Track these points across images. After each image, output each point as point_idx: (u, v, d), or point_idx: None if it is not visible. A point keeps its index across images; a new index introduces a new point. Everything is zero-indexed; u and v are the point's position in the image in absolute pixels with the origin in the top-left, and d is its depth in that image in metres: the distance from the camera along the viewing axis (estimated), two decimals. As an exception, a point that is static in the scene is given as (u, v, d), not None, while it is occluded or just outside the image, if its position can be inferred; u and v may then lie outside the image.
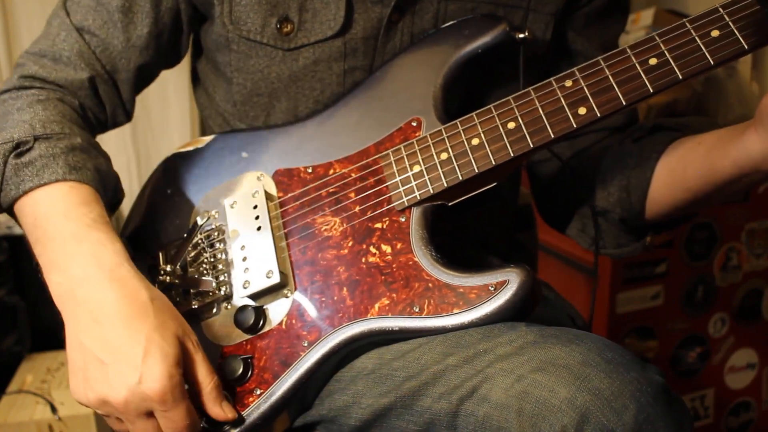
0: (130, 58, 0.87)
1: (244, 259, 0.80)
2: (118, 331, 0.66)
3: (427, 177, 0.77)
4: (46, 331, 2.19)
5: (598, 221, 0.93)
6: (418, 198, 0.77)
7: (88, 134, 0.83)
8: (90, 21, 0.86)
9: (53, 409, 1.79)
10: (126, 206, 0.96)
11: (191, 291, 0.81)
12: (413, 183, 0.78)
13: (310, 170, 0.83)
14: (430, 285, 0.73)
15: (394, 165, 0.79)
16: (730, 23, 0.70)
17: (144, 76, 0.92)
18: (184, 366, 0.67)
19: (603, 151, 0.94)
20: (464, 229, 0.92)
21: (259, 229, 0.81)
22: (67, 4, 0.88)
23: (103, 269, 0.68)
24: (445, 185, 0.76)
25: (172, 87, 2.42)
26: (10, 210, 0.76)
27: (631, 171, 0.88)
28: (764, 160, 0.71)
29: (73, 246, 0.70)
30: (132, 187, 2.29)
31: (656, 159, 0.85)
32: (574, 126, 0.74)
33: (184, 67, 1.03)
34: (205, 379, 0.69)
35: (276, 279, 0.77)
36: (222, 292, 0.79)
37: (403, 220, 0.77)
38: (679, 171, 0.83)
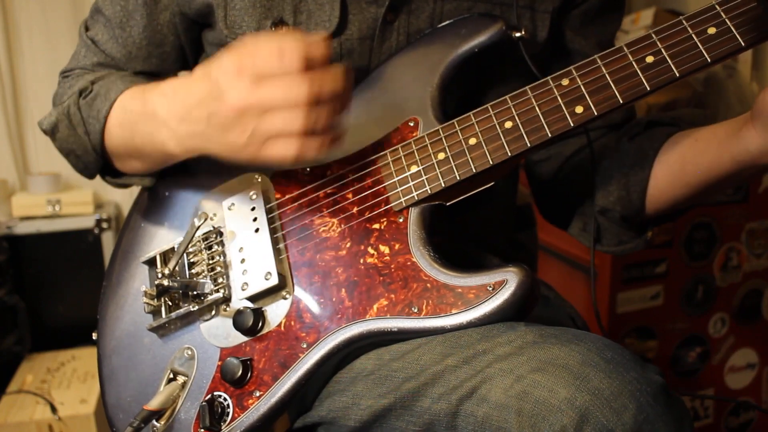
0: (135, 68, 0.93)
1: (243, 261, 0.80)
2: (205, 83, 0.71)
3: (424, 177, 0.77)
4: (46, 331, 2.19)
5: (598, 220, 0.93)
6: (416, 198, 0.77)
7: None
8: (99, 35, 0.94)
9: (53, 409, 1.79)
10: (126, 206, 0.97)
11: (190, 293, 0.81)
12: (411, 183, 0.77)
13: (308, 171, 0.83)
14: (428, 285, 0.72)
15: (391, 165, 0.79)
16: (727, 20, 0.70)
17: (157, 80, 0.96)
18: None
19: (601, 150, 0.94)
20: (464, 229, 0.92)
21: (257, 230, 0.81)
22: (88, 21, 0.96)
23: (167, 94, 0.76)
24: (443, 185, 0.76)
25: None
26: (103, 150, 0.88)
27: (630, 169, 0.88)
28: (762, 156, 0.73)
29: (146, 107, 0.79)
30: (132, 188, 2.30)
31: (653, 156, 0.86)
32: (571, 125, 0.74)
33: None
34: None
35: (274, 281, 0.76)
36: (220, 294, 0.79)
37: (401, 220, 0.77)
38: (678, 168, 0.83)
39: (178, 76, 0.80)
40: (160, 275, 0.80)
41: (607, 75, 0.73)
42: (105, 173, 0.94)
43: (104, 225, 2.18)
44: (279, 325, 0.76)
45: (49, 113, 0.90)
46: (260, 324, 0.77)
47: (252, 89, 0.66)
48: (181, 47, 0.94)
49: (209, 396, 0.76)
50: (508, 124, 0.76)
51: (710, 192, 0.83)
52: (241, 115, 0.67)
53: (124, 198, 2.33)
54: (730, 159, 0.76)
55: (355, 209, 0.79)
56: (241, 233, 0.81)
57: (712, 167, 0.79)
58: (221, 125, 0.69)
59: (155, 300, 0.82)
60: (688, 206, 0.89)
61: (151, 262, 0.87)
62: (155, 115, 0.77)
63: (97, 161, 0.89)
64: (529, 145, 0.75)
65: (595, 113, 0.73)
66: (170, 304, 0.82)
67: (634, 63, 0.72)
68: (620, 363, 0.62)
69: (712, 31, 0.70)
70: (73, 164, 0.92)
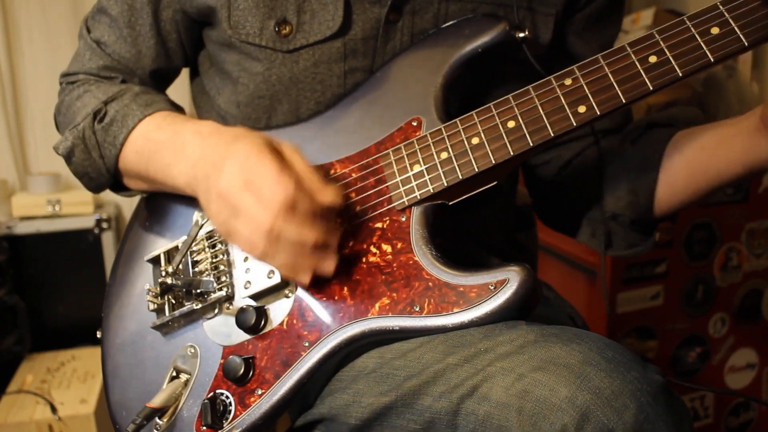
0: (145, 67, 0.94)
1: (246, 259, 0.80)
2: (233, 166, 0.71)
3: (427, 176, 0.77)
4: (46, 331, 2.19)
5: (609, 226, 0.94)
6: (419, 197, 0.77)
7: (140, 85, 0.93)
8: (106, 37, 0.93)
9: (53, 409, 1.79)
10: (126, 206, 0.98)
11: (193, 291, 0.81)
12: (413, 183, 0.78)
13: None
14: (430, 284, 0.73)
15: (394, 164, 0.79)
16: (730, 20, 0.70)
17: (165, 78, 0.99)
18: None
19: (603, 155, 0.94)
20: (465, 228, 0.92)
21: (260, 229, 0.81)
22: (89, 22, 0.95)
23: (204, 135, 0.78)
24: (445, 184, 0.76)
25: (171, 89, 2.42)
26: (116, 171, 0.89)
27: (637, 174, 0.89)
28: None
29: (175, 140, 0.81)
30: (133, 188, 2.30)
31: (659, 159, 0.87)
32: (574, 124, 0.74)
33: (184, 70, 1.03)
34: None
35: (277, 279, 0.77)
36: (224, 293, 0.80)
37: (403, 219, 0.77)
38: (686, 175, 0.85)
39: (215, 123, 0.82)
40: (163, 273, 0.80)
41: (610, 75, 0.73)
42: (112, 187, 0.95)
43: (104, 225, 2.18)
44: (281, 324, 0.77)
45: (63, 137, 0.90)
46: (263, 322, 0.77)
47: (245, 198, 0.69)
48: (183, 44, 0.95)
49: (211, 394, 0.76)
50: (511, 124, 0.76)
51: (717, 193, 0.86)
52: (229, 203, 0.70)
53: (125, 198, 2.32)
54: (741, 167, 0.79)
55: (358, 208, 0.79)
56: (244, 232, 0.81)
57: (722, 174, 0.81)
58: (211, 201, 0.73)
59: (159, 298, 0.82)
60: (694, 205, 0.91)
61: (155, 261, 0.87)
62: (183, 149, 0.79)
63: (109, 181, 0.91)
64: (531, 144, 0.75)
65: (598, 113, 0.73)
66: (174, 302, 0.83)
67: (637, 63, 0.72)
68: (621, 362, 0.62)
69: (715, 31, 0.70)
70: (86, 184, 0.94)
